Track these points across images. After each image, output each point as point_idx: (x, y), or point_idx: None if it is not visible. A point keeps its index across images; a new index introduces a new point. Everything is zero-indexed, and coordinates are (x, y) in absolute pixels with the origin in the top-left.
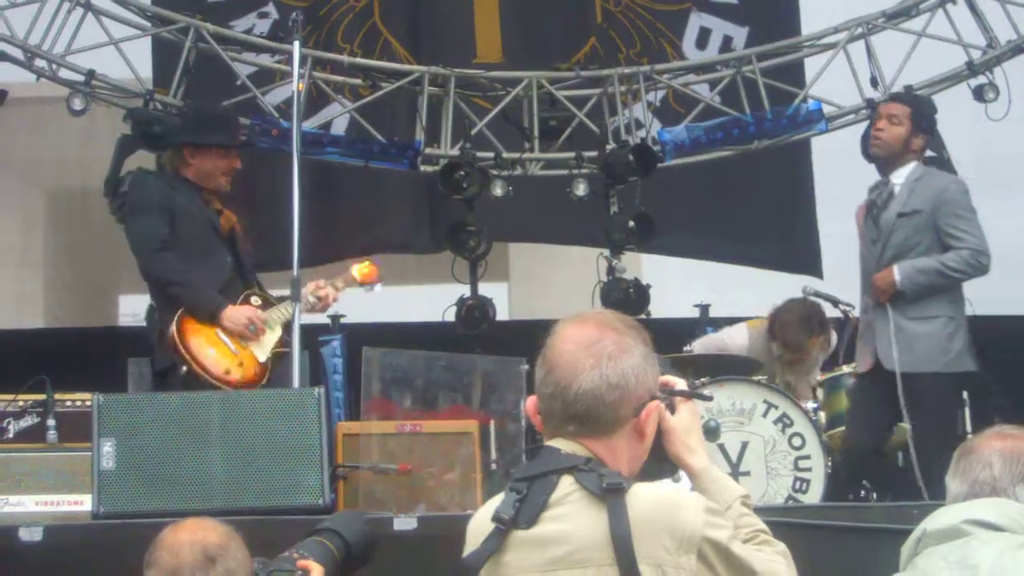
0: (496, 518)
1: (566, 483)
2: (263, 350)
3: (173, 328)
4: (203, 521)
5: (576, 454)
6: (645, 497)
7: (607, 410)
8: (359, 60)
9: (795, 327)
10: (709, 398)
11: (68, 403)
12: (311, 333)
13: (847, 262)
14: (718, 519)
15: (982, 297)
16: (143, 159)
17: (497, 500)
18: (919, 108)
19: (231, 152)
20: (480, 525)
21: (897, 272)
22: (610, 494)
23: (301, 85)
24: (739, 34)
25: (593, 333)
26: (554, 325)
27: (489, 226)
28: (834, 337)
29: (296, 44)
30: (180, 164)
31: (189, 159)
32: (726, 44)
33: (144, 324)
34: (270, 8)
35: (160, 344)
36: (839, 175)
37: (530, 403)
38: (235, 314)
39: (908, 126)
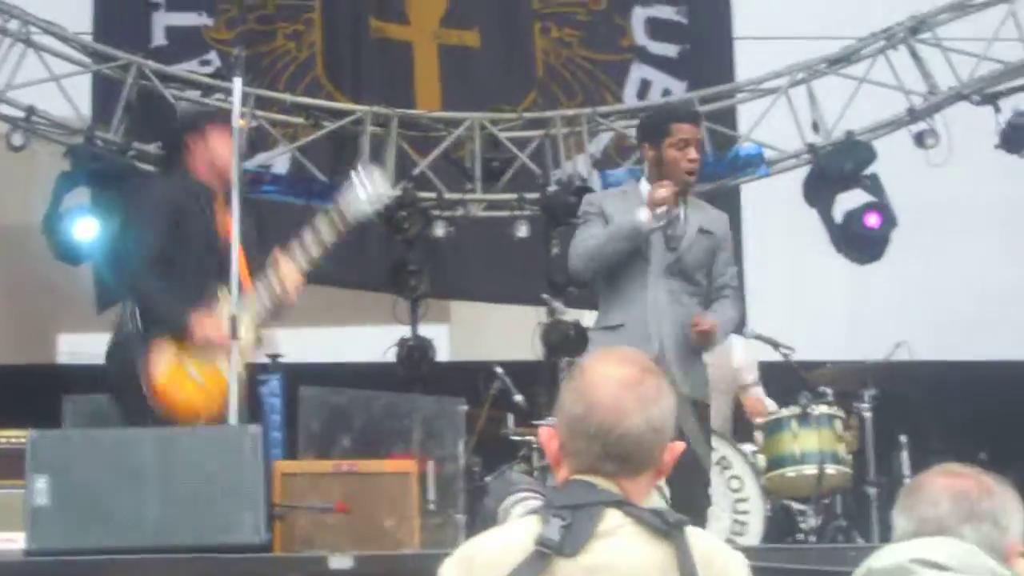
0: (542, 541)
1: (614, 516)
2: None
3: (144, 375)
4: None
5: (611, 490)
6: (699, 539)
7: (647, 453)
8: (301, 99)
9: None
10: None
11: (3, 440)
12: (249, 371)
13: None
14: None
15: (922, 343)
16: (82, 197)
17: (511, 527)
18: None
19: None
20: (497, 552)
21: None
22: (676, 530)
23: (243, 122)
24: (678, 88)
25: (635, 374)
26: (585, 361)
27: (431, 282)
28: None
29: (238, 80)
30: (187, 161)
31: (195, 150)
32: (666, 96)
33: (84, 363)
34: (212, 56)
35: (129, 387)
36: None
37: (547, 433)
38: (203, 325)
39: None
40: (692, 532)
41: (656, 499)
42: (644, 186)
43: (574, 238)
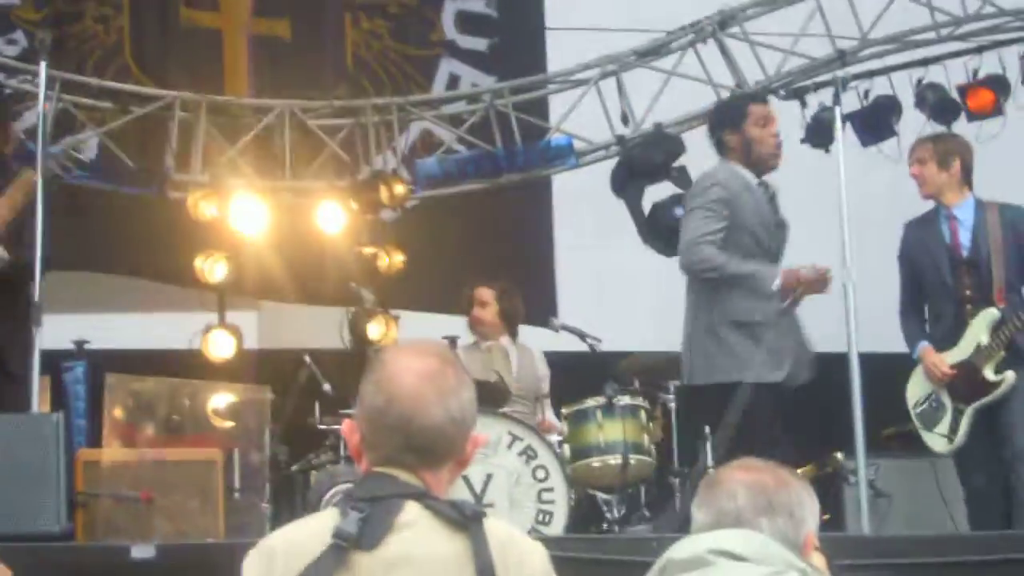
0: (339, 534)
1: (413, 508)
2: None
3: None
4: None
5: (411, 483)
6: (497, 531)
7: (448, 444)
8: (109, 83)
9: None
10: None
11: None
12: (53, 358)
13: (584, 299)
14: (552, 567)
15: None
16: None
17: (314, 519)
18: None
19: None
20: (299, 544)
21: None
22: (473, 522)
23: (47, 105)
24: (486, 83)
25: (435, 365)
26: (385, 353)
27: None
28: None
29: (43, 64)
30: None
31: None
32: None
33: None
34: (18, 35)
35: None
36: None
37: (349, 426)
38: None
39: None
40: (491, 524)
41: (460, 489)
42: (742, 171)
43: (693, 225)
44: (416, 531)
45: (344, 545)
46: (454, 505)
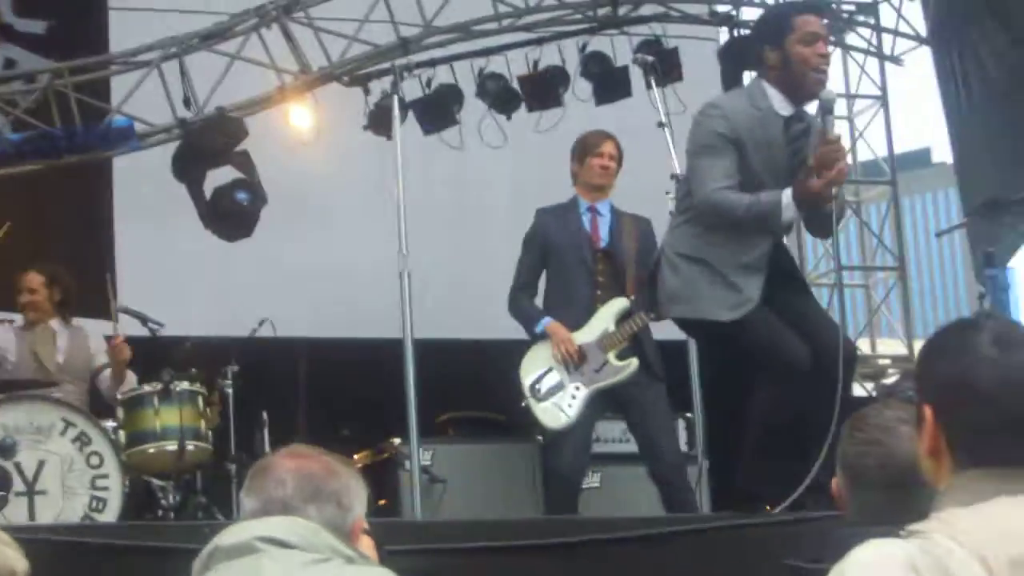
0: None
1: None
2: None
3: None
4: None
5: None
6: None
7: None
8: None
9: None
10: None
11: None
12: None
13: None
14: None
15: (288, 320)
16: None
17: None
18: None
19: None
20: None
21: None
22: None
23: None
24: (44, 67)
25: None
26: None
27: None
28: None
29: None
30: None
31: None
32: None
33: None
34: None
35: None
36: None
37: None
38: None
39: None
40: None
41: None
42: (769, 90)
43: (703, 164)
44: None
45: None
46: None
